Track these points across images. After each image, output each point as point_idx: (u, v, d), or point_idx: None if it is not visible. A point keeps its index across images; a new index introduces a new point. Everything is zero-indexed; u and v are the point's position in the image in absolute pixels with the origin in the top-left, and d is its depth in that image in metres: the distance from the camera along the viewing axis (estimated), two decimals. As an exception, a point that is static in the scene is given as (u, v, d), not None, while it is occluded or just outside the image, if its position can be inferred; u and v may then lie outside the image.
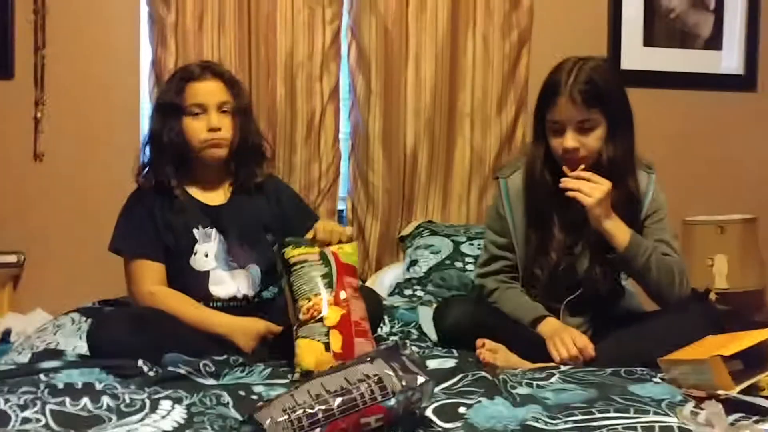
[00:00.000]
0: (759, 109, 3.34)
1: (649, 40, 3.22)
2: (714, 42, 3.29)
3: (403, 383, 1.30)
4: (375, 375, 1.30)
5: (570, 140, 1.88)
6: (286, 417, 1.22)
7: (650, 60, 3.20)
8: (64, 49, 2.74)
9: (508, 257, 2.06)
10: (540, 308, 1.98)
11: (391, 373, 1.30)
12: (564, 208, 1.94)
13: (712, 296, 2.91)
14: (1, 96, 2.71)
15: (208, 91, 2.00)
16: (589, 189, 1.83)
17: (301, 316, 1.68)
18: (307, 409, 1.24)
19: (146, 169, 2.05)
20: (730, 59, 3.31)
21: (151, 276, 1.97)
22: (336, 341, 1.65)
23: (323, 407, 1.25)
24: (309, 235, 1.82)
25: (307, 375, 1.58)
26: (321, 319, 1.66)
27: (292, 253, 1.75)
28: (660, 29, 3.23)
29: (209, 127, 1.98)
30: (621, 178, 1.91)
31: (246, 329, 1.88)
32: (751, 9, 3.30)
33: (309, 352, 1.64)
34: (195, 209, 2.03)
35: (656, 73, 3.19)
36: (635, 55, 3.18)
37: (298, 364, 1.64)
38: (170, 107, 2.00)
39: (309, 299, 1.69)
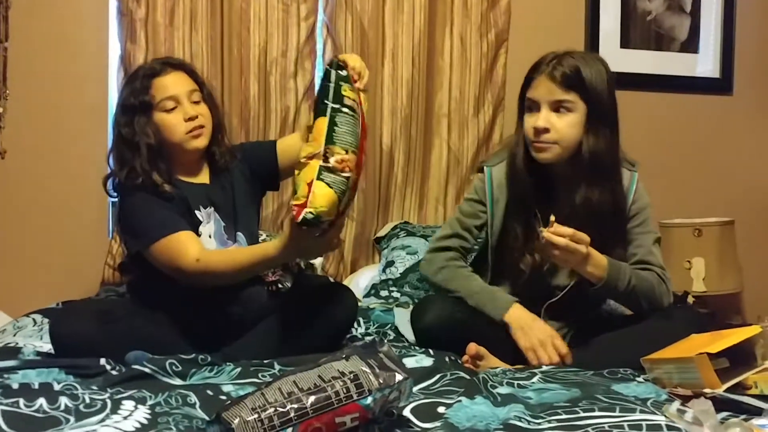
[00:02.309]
0: (735, 112, 3.35)
1: (626, 42, 3.22)
2: (690, 45, 3.30)
3: (380, 381, 1.24)
4: (351, 372, 1.24)
5: (541, 119, 1.83)
6: (256, 416, 1.16)
7: (627, 62, 3.18)
8: (29, 42, 2.64)
9: (467, 239, 2.00)
10: (502, 293, 1.91)
11: (367, 370, 1.25)
12: (547, 204, 1.88)
13: (690, 299, 2.89)
14: (-38, 90, 2.62)
15: (176, 82, 1.94)
16: (563, 257, 1.75)
17: (331, 161, 1.65)
18: (278, 408, 1.18)
19: (128, 172, 1.90)
20: (706, 62, 3.32)
21: (190, 243, 1.81)
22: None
23: (296, 406, 1.18)
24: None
25: (316, 220, 1.59)
26: (347, 176, 1.66)
27: (348, 93, 1.72)
28: (637, 31, 3.23)
29: (186, 117, 1.92)
30: (605, 178, 1.87)
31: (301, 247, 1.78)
32: (727, 12, 3.31)
33: (324, 199, 1.62)
34: (193, 191, 1.95)
35: (633, 75, 3.17)
36: (612, 57, 3.07)
37: (312, 203, 1.61)
38: (140, 107, 1.92)
39: (346, 151, 1.67)
